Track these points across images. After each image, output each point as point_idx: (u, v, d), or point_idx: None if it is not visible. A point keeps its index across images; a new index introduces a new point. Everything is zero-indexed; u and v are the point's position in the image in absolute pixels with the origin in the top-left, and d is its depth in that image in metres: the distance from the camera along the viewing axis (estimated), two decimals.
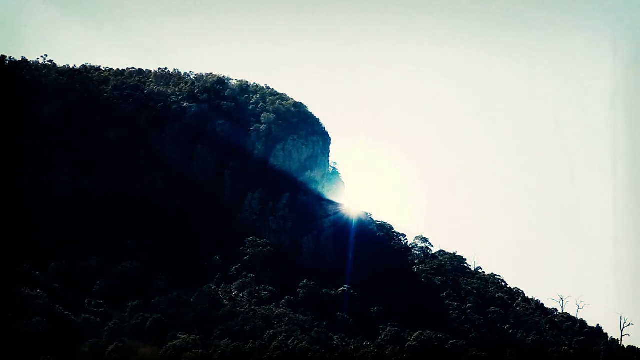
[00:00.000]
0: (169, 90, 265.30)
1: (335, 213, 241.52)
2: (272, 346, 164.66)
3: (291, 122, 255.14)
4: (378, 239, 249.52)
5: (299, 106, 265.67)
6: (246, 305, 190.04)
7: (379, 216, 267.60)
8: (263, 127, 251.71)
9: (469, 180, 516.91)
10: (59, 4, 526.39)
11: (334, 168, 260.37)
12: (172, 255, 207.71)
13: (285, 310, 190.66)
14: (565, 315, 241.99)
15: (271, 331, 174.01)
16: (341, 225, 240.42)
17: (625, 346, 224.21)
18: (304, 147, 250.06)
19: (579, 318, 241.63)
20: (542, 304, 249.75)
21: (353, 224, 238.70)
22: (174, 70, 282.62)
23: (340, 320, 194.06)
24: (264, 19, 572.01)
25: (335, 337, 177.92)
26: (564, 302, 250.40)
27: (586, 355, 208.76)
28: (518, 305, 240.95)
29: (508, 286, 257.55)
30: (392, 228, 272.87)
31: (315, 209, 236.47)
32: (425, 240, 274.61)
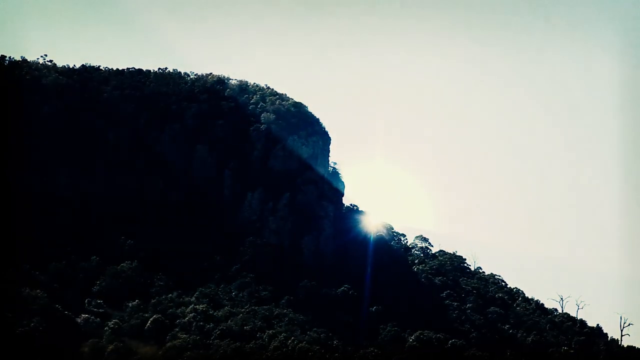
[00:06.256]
0: (168, 91, 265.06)
1: (336, 214, 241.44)
2: (272, 346, 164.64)
3: (291, 122, 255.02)
4: (378, 239, 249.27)
5: (299, 106, 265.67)
6: (246, 305, 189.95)
7: (379, 216, 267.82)
8: (263, 127, 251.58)
9: (469, 181, 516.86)
10: (59, 4, 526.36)
11: (334, 168, 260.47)
12: (172, 255, 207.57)
13: (285, 310, 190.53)
14: (565, 315, 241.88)
15: (271, 331, 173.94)
16: (341, 225, 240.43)
17: (625, 346, 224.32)
18: (303, 147, 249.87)
19: (579, 318, 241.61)
20: (542, 304, 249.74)
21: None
22: (174, 70, 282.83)
23: (340, 320, 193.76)
24: (264, 19, 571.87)
25: (335, 337, 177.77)
26: (564, 302, 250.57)
27: (586, 355, 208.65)
28: (518, 305, 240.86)
29: (508, 286, 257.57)
30: (392, 228, 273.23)
31: (315, 209, 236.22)
32: (425, 240, 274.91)
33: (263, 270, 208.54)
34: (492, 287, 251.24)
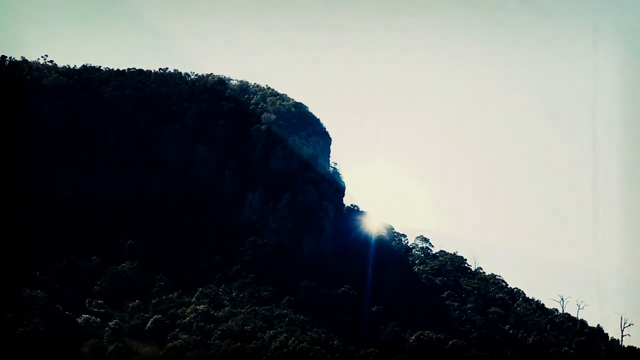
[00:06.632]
0: (169, 91, 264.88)
1: (337, 214, 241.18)
2: (272, 346, 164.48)
3: (291, 122, 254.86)
4: (379, 239, 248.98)
5: (300, 106, 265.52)
6: (246, 305, 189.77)
7: (379, 216, 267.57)
8: (263, 127, 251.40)
9: (469, 181, 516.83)
10: (59, 4, 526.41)
11: (335, 168, 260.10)
12: (172, 255, 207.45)
13: (285, 311, 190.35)
14: (566, 316, 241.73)
15: (272, 331, 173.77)
16: (342, 225, 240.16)
17: (626, 346, 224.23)
18: (304, 147, 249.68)
19: (579, 318, 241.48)
20: (543, 304, 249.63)
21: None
22: (174, 70, 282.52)
23: (341, 320, 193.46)
24: (265, 19, 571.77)
25: (335, 337, 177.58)
26: (565, 303, 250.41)
27: (587, 355, 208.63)
28: (518, 305, 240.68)
29: (508, 286, 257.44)
30: (392, 228, 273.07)
31: (315, 209, 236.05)
32: (425, 240, 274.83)
33: (263, 271, 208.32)
34: (492, 287, 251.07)
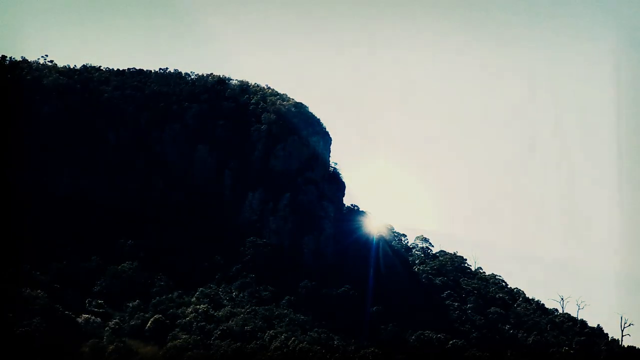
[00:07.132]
0: (169, 91, 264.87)
1: (337, 214, 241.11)
2: (272, 346, 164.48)
3: (292, 122, 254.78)
4: (379, 239, 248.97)
5: (300, 106, 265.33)
6: (247, 305, 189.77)
7: (380, 216, 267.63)
8: (263, 127, 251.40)
9: (470, 181, 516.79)
10: (59, 4, 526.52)
11: (335, 168, 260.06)
12: (173, 255, 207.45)
13: (285, 311, 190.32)
14: (566, 316, 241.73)
15: (272, 331, 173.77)
16: (342, 225, 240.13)
17: (626, 346, 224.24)
18: (304, 147, 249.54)
19: (579, 318, 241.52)
20: (543, 304, 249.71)
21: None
22: (175, 70, 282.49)
23: (341, 320, 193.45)
24: (265, 19, 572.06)
25: (335, 337, 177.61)
26: (565, 303, 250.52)
27: (587, 355, 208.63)
28: (519, 305, 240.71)
29: (509, 286, 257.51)
30: (392, 228, 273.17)
31: (315, 209, 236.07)
32: (425, 240, 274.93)
33: (263, 271, 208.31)
34: (492, 287, 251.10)
